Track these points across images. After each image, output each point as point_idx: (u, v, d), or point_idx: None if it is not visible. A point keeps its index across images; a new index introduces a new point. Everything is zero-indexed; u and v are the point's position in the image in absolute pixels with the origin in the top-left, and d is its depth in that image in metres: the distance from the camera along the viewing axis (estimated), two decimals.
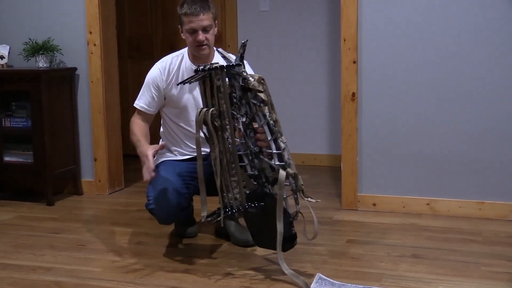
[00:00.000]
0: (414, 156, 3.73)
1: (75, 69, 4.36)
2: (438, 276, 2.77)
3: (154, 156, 2.93)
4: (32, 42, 4.27)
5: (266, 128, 2.72)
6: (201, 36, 3.02)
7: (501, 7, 3.49)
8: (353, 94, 3.78)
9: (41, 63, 4.23)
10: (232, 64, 2.73)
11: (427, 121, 3.69)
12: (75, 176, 4.44)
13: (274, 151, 2.71)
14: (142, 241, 3.36)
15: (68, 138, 4.36)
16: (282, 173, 2.66)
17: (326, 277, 2.73)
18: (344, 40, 3.77)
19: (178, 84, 2.97)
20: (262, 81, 2.72)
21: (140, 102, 3.23)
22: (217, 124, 2.70)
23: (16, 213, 4.02)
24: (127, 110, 5.67)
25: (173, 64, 3.16)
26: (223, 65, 2.70)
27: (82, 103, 4.40)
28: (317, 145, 5.26)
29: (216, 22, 3.12)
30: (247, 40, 2.83)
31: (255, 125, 2.76)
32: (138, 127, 3.17)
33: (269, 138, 2.71)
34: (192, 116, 3.16)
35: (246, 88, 2.73)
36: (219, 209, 2.76)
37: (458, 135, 3.64)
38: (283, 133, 2.76)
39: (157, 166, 3.23)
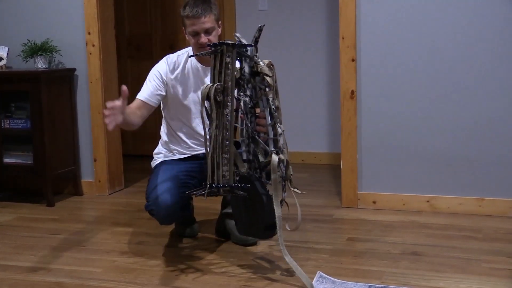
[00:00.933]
0: (414, 153, 3.73)
1: (74, 69, 4.36)
2: (438, 273, 2.77)
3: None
4: (31, 43, 4.27)
5: (267, 112, 2.74)
6: (203, 38, 3.03)
7: (500, 5, 3.49)
8: (352, 92, 3.78)
9: (40, 64, 4.23)
10: (245, 44, 2.74)
11: (427, 119, 3.69)
12: (75, 177, 4.44)
13: (271, 137, 2.72)
14: (142, 241, 3.36)
15: (67, 139, 4.36)
16: (275, 157, 2.67)
17: (326, 275, 2.74)
18: (343, 38, 3.77)
19: (190, 56, 3.00)
20: (271, 66, 2.74)
21: (142, 93, 3.17)
22: (219, 99, 2.68)
23: (16, 214, 4.02)
24: None
25: (179, 61, 3.18)
26: (235, 43, 2.71)
27: (82, 104, 4.40)
28: (316, 143, 5.26)
29: (220, 23, 3.12)
30: (263, 25, 2.80)
31: (257, 110, 2.78)
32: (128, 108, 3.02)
33: (268, 123, 2.73)
34: (194, 114, 3.17)
35: (255, 72, 2.75)
36: (206, 184, 2.73)
37: (457, 132, 3.64)
38: (284, 127, 2.76)
39: (156, 167, 3.24)
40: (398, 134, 3.75)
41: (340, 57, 3.79)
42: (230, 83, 2.69)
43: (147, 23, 5.70)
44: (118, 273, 2.90)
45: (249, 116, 2.77)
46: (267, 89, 2.73)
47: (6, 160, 4.29)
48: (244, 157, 2.79)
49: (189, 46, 3.19)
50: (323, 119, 5.23)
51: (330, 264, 2.92)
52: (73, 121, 4.40)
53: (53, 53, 4.31)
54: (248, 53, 2.74)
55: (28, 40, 4.30)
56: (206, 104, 2.72)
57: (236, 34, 2.83)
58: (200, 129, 3.15)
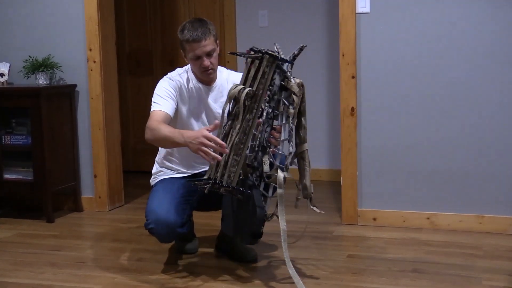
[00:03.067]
0: (414, 170, 3.73)
1: (75, 85, 4.37)
2: None
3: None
4: (32, 59, 4.29)
5: (284, 128, 2.77)
6: (206, 62, 3.02)
7: (500, 25, 3.51)
8: (352, 109, 3.79)
9: (41, 80, 4.25)
10: (285, 59, 2.77)
11: (427, 135, 3.69)
12: (75, 193, 4.43)
13: (280, 152, 2.77)
14: (142, 258, 3.35)
15: (68, 155, 4.36)
16: (281, 174, 2.72)
17: None
18: (343, 55, 3.78)
19: (229, 53, 2.97)
20: (302, 86, 2.78)
21: (165, 107, 3.03)
22: (247, 104, 2.72)
23: (16, 230, 4.02)
24: (127, 126, 5.70)
25: (182, 80, 3.14)
26: (277, 56, 2.73)
27: (82, 120, 4.41)
28: (317, 159, 5.25)
29: (218, 41, 3.11)
30: (305, 46, 2.85)
31: (275, 123, 2.80)
32: (162, 124, 2.93)
33: (282, 139, 2.76)
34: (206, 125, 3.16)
35: (284, 87, 2.78)
36: (210, 178, 2.74)
37: (457, 149, 3.65)
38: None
39: (155, 185, 3.23)
40: (398, 150, 3.75)
41: (340, 74, 3.80)
42: (261, 92, 2.73)
43: (147, 38, 5.72)
44: None
45: (265, 126, 2.79)
46: (290, 107, 2.76)
47: (6, 176, 4.29)
48: (250, 162, 2.80)
49: (187, 64, 3.19)
50: (323, 136, 5.23)
51: (331, 281, 2.91)
52: (73, 137, 4.40)
53: (54, 69, 4.32)
54: (284, 67, 2.77)
55: (30, 57, 4.32)
56: (231, 104, 2.76)
57: (276, 44, 2.85)
58: None
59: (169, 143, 2.91)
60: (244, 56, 2.80)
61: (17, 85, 4.45)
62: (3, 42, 4.53)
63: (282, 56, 2.78)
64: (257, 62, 2.76)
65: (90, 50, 4.31)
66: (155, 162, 3.32)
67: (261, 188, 2.80)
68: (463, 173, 3.65)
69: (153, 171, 3.31)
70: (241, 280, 2.96)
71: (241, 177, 2.78)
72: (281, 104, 2.78)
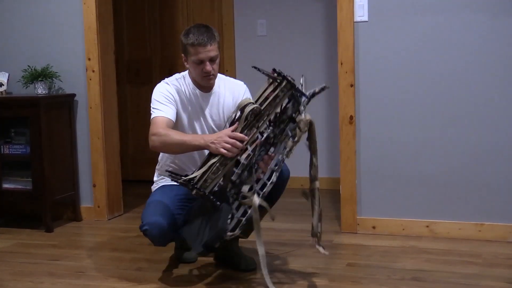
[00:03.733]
0: (413, 178, 3.73)
1: (74, 95, 4.38)
2: None
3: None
4: (31, 69, 4.29)
5: (277, 157, 2.78)
6: (208, 67, 3.02)
7: (499, 33, 3.52)
8: (351, 117, 3.79)
9: (40, 89, 4.25)
10: (302, 92, 2.79)
11: (426, 144, 3.70)
12: (74, 202, 4.43)
13: (265, 178, 2.77)
14: (141, 267, 3.35)
15: (67, 164, 4.36)
16: (256, 200, 2.71)
17: None
18: (341, 64, 3.79)
19: (253, 67, 2.94)
20: (310, 124, 2.83)
21: (167, 113, 3.04)
22: (249, 119, 2.73)
23: (15, 240, 4.01)
24: (126, 135, 5.71)
25: (179, 86, 3.15)
26: (295, 85, 2.76)
27: (81, 129, 4.41)
28: None
29: (220, 49, 3.12)
30: (328, 87, 2.91)
31: (272, 150, 2.80)
32: (171, 130, 2.95)
33: (271, 167, 2.77)
34: (203, 132, 3.16)
35: (293, 118, 2.79)
36: (187, 176, 2.76)
37: (456, 157, 3.65)
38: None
39: (155, 190, 3.24)
40: (397, 159, 3.75)
41: (339, 82, 3.81)
42: (268, 113, 2.75)
43: (147, 48, 5.73)
44: None
45: (261, 149, 2.79)
46: (291, 139, 2.78)
47: (5, 185, 4.29)
48: (233, 177, 2.79)
49: (185, 70, 3.19)
50: (322, 144, 5.21)
51: None
52: (72, 147, 4.40)
53: (53, 78, 4.33)
54: (301, 100, 2.79)
55: (29, 66, 4.32)
56: (237, 113, 2.80)
57: (303, 76, 2.87)
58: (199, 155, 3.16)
59: (185, 147, 2.91)
60: (264, 73, 2.81)
61: (16, 94, 4.46)
62: (2, 52, 4.54)
63: (302, 89, 2.80)
64: (275, 84, 2.78)
65: (89, 59, 4.32)
66: (156, 170, 3.32)
67: (234, 206, 2.79)
68: (462, 181, 3.65)
69: (155, 178, 3.32)
70: None
71: (217, 188, 2.77)
72: (284, 134, 2.80)
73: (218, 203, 2.75)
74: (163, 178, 3.26)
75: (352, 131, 3.80)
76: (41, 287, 3.11)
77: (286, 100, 2.80)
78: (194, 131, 3.15)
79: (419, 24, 3.65)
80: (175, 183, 3.19)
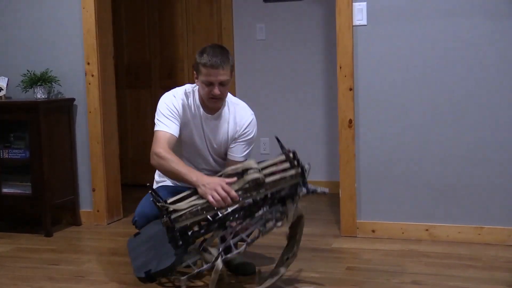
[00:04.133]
0: (412, 182, 3.73)
1: (73, 99, 4.38)
2: None
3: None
4: (30, 73, 4.30)
5: (250, 229, 2.79)
6: (217, 90, 2.98)
7: (499, 37, 3.52)
8: (350, 121, 3.79)
9: (39, 94, 4.25)
10: (306, 184, 2.81)
11: (425, 147, 3.70)
12: (73, 206, 4.43)
13: (230, 241, 2.77)
14: None
15: (66, 169, 4.36)
16: (220, 265, 2.74)
17: None
18: (340, 67, 3.79)
19: (275, 137, 2.92)
20: (300, 217, 2.84)
21: (172, 129, 3.03)
22: (247, 185, 2.73)
23: (14, 244, 4.01)
24: (125, 139, 5.71)
25: (186, 101, 3.10)
26: (305, 177, 2.79)
27: (80, 133, 4.41)
28: (315, 171, 5.21)
29: (233, 73, 3.08)
30: (328, 193, 2.95)
31: (248, 221, 2.79)
32: (171, 154, 2.95)
33: (241, 235, 2.77)
34: (196, 154, 3.16)
35: (284, 201, 2.79)
36: (166, 202, 2.76)
37: (455, 161, 3.65)
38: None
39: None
40: (396, 162, 3.75)
41: (338, 86, 3.81)
42: (267, 187, 2.74)
43: (146, 52, 5.73)
44: None
45: (241, 213, 2.78)
46: (273, 221, 2.77)
47: (5, 190, 4.29)
48: (202, 224, 2.81)
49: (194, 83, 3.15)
50: (321, 148, 5.24)
51: None
52: (71, 151, 4.40)
53: (53, 83, 4.33)
54: (301, 190, 2.81)
55: (28, 71, 4.33)
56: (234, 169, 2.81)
57: (309, 165, 2.88)
58: (202, 165, 3.17)
59: (179, 178, 2.93)
60: (282, 151, 2.83)
61: (15, 99, 4.46)
62: (1, 56, 4.55)
63: (306, 175, 2.82)
64: (288, 163, 2.80)
65: (88, 63, 4.32)
66: (157, 172, 3.32)
67: (189, 248, 2.80)
68: (462, 185, 3.65)
69: (156, 178, 3.34)
70: None
71: (180, 226, 2.76)
72: (268, 212, 2.78)
73: (180, 243, 2.74)
74: (165, 181, 3.25)
75: (351, 134, 3.80)
76: None
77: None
78: (193, 148, 3.15)
79: (418, 27, 3.65)
80: (175, 185, 3.20)
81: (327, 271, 3.22)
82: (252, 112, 3.21)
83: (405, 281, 3.05)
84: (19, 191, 4.28)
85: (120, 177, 4.64)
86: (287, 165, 2.81)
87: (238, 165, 2.86)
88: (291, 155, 2.82)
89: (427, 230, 3.72)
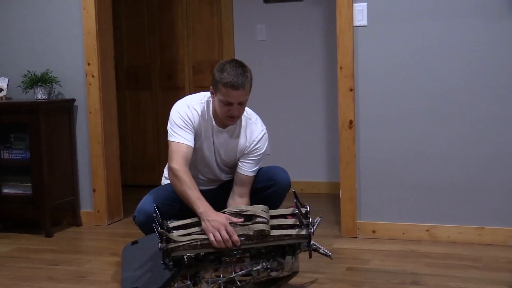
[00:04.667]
0: (413, 182, 3.73)
1: (73, 100, 4.38)
2: None
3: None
4: (31, 74, 4.30)
5: (245, 271, 2.80)
6: (235, 110, 2.92)
7: (498, 37, 3.53)
8: (351, 122, 3.79)
9: (40, 95, 4.25)
10: (310, 244, 2.82)
11: (425, 148, 3.70)
12: (73, 207, 4.43)
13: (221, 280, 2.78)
14: None
15: (66, 169, 4.36)
16: None
17: None
18: (341, 68, 3.79)
19: (294, 193, 2.87)
20: (294, 272, 2.85)
21: (187, 140, 2.98)
22: (253, 233, 2.73)
23: (14, 245, 4.01)
24: (126, 140, 5.71)
25: (199, 111, 3.04)
26: (310, 240, 2.79)
27: (81, 134, 4.41)
28: (315, 172, 5.26)
29: (251, 87, 2.98)
30: (331, 257, 2.94)
31: (243, 266, 2.81)
32: (189, 176, 2.93)
33: (234, 277, 2.79)
34: (207, 162, 3.14)
35: (283, 253, 2.80)
36: (168, 229, 2.77)
37: (456, 162, 3.65)
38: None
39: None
40: (397, 163, 3.75)
41: (338, 86, 3.82)
42: (271, 240, 2.76)
43: (146, 53, 5.73)
44: None
45: (240, 252, 2.79)
46: (268, 270, 2.78)
47: (5, 190, 4.29)
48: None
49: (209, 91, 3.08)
50: (321, 149, 5.24)
51: None
52: (72, 152, 4.40)
53: (53, 84, 4.33)
54: (303, 247, 2.84)
55: (28, 71, 4.33)
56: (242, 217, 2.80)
57: (320, 218, 2.90)
58: (208, 175, 3.17)
59: (187, 202, 2.91)
60: (297, 209, 2.82)
61: (15, 99, 4.46)
62: (2, 57, 4.55)
63: (314, 226, 2.83)
64: (298, 219, 2.81)
65: (89, 64, 4.32)
66: (166, 167, 3.31)
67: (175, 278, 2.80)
68: (463, 185, 3.65)
69: (163, 181, 3.34)
70: None
71: (172, 255, 2.77)
72: (267, 260, 2.80)
73: (172, 267, 2.74)
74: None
75: (351, 135, 3.80)
76: None
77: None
78: (201, 159, 3.12)
79: (418, 28, 3.65)
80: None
81: (328, 271, 3.22)
82: (264, 127, 3.16)
83: (406, 281, 3.04)
84: (19, 192, 4.28)
85: (121, 178, 4.64)
86: (296, 221, 2.82)
87: (249, 207, 2.84)
88: (303, 211, 2.81)
89: (427, 230, 3.72)
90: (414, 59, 3.68)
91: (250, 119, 3.13)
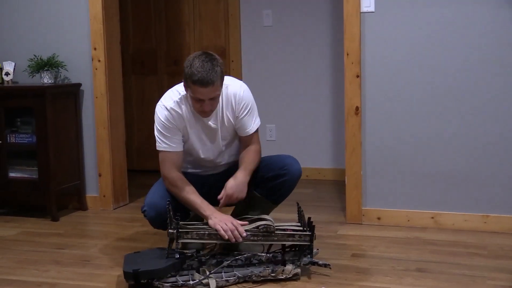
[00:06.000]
0: (418, 169, 3.73)
1: (79, 85, 4.38)
2: None
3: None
4: (37, 58, 4.30)
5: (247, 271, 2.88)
6: (206, 106, 2.90)
7: (505, 25, 3.50)
8: (357, 108, 3.78)
9: (46, 79, 4.25)
10: (311, 256, 2.96)
11: (431, 135, 3.69)
12: (79, 192, 4.44)
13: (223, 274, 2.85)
14: None
15: (72, 154, 4.37)
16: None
17: None
18: (347, 54, 3.78)
19: (297, 203, 3.13)
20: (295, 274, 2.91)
21: (168, 147, 3.04)
22: (259, 228, 2.90)
23: (20, 228, 4.03)
24: (131, 125, 5.71)
25: (179, 109, 3.03)
26: (312, 244, 2.94)
27: (87, 119, 4.42)
28: (321, 159, 5.26)
29: (223, 80, 2.96)
30: (331, 268, 2.99)
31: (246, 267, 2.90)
32: (185, 182, 3.05)
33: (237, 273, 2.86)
34: (198, 146, 3.13)
35: (284, 264, 2.91)
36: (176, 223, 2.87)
37: (462, 149, 3.64)
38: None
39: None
40: (402, 150, 3.75)
41: (345, 73, 3.80)
42: (276, 239, 2.91)
43: (152, 39, 5.72)
44: None
45: (243, 259, 2.89)
46: (269, 270, 2.86)
47: (11, 174, 4.30)
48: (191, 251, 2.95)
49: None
50: (327, 135, 5.23)
51: (335, 280, 2.91)
52: (78, 136, 4.41)
53: (59, 68, 4.33)
54: (304, 257, 2.96)
55: (35, 56, 4.33)
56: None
57: (313, 225, 2.98)
58: (207, 156, 3.17)
59: (191, 208, 3.04)
60: (300, 219, 3.03)
61: (22, 84, 4.46)
62: (8, 41, 4.55)
63: (318, 260, 2.97)
64: (300, 227, 2.99)
65: (95, 49, 4.32)
66: None
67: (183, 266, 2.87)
68: (468, 173, 3.64)
69: None
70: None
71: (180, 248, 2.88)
72: (267, 267, 2.88)
73: (177, 256, 2.83)
74: (187, 169, 3.26)
75: (357, 122, 3.79)
76: (47, 275, 3.12)
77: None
78: (201, 146, 3.13)
79: (426, 15, 3.63)
80: (193, 174, 3.23)
81: (333, 258, 3.22)
82: (241, 83, 3.11)
83: (410, 268, 3.05)
84: (25, 176, 4.29)
85: (126, 162, 4.64)
86: (300, 228, 2.99)
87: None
88: (306, 219, 2.99)
89: (432, 218, 3.72)
90: (421, 46, 3.66)
91: (226, 88, 3.05)
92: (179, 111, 3.04)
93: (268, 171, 3.16)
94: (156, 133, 3.07)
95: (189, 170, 3.25)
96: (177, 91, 3.07)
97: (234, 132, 3.16)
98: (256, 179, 3.16)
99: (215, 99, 2.93)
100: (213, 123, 3.07)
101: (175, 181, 3.04)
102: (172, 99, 3.06)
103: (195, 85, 2.84)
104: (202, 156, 3.16)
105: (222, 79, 2.94)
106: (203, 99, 2.88)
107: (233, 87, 3.08)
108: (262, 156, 3.25)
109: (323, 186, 4.99)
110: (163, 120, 3.03)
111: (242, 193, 3.02)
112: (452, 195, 3.68)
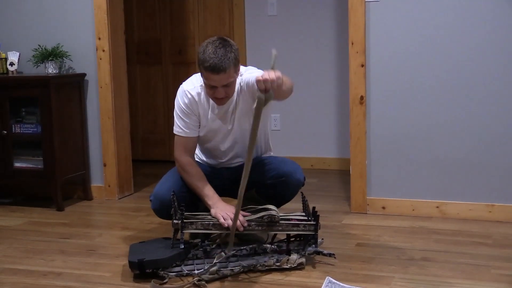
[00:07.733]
0: (423, 159, 3.72)
1: (84, 74, 4.38)
2: (448, 279, 2.76)
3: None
4: (42, 48, 4.29)
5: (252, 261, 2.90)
6: (219, 93, 2.86)
7: (510, 16, 3.49)
8: (362, 98, 3.78)
9: (51, 69, 4.25)
10: (316, 246, 2.98)
11: (436, 124, 3.68)
12: (84, 181, 4.45)
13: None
14: None
15: (77, 144, 4.38)
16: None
17: (335, 281, 2.73)
18: (352, 44, 3.77)
19: (302, 194, 3.12)
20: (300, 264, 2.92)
21: (184, 132, 3.06)
22: (263, 217, 2.90)
23: (26, 218, 4.04)
24: (136, 115, 5.72)
25: (200, 95, 3.02)
26: (316, 233, 2.95)
27: (91, 109, 4.42)
28: (326, 148, 5.26)
29: (239, 66, 2.91)
30: (335, 258, 2.99)
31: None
32: (195, 167, 3.08)
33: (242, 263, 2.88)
34: (218, 136, 3.12)
35: (289, 251, 2.96)
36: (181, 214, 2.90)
37: (467, 138, 3.63)
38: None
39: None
40: (407, 139, 3.74)
41: (350, 62, 3.79)
42: (280, 228, 2.93)
43: (156, 28, 5.72)
44: (127, 277, 2.91)
45: (247, 250, 2.93)
46: (274, 259, 2.89)
47: (17, 164, 4.31)
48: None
49: None
50: (332, 125, 5.23)
51: (339, 269, 2.92)
52: (82, 126, 4.42)
53: (64, 58, 4.33)
54: (308, 247, 2.97)
55: (39, 46, 4.32)
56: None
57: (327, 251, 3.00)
58: (220, 144, 3.15)
59: (196, 193, 3.06)
60: (304, 208, 3.04)
61: (26, 74, 4.47)
62: (13, 31, 4.55)
63: (322, 250, 3.00)
64: (305, 217, 3.00)
65: (99, 39, 4.31)
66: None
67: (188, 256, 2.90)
68: (473, 162, 3.64)
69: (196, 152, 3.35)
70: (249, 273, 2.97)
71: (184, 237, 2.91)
72: (272, 257, 2.92)
73: (182, 246, 2.86)
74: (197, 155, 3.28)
75: (362, 111, 3.79)
76: (52, 264, 3.13)
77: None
78: (218, 134, 3.11)
79: (430, 4, 3.61)
80: (208, 164, 3.24)
81: (337, 247, 3.22)
82: (256, 69, 3.02)
83: (415, 257, 3.05)
84: (31, 166, 4.30)
85: (131, 152, 4.65)
86: (304, 217, 3.00)
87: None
88: (310, 209, 3.01)
89: (437, 207, 3.72)
90: (425, 35, 3.65)
91: (247, 79, 2.93)
92: (197, 97, 3.03)
93: (268, 178, 3.11)
94: (174, 115, 3.09)
95: (204, 159, 3.26)
96: (199, 79, 3.04)
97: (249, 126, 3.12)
98: (258, 182, 3.10)
99: (229, 86, 2.88)
100: (228, 111, 3.04)
101: (184, 165, 3.07)
102: (193, 84, 3.06)
103: (207, 71, 2.82)
104: (214, 144, 3.15)
105: (237, 66, 2.88)
106: (216, 86, 2.85)
107: (251, 74, 2.92)
108: (266, 156, 3.23)
109: (328, 176, 4.99)
110: (181, 103, 3.05)
111: (280, 79, 2.68)
112: (457, 184, 3.68)
